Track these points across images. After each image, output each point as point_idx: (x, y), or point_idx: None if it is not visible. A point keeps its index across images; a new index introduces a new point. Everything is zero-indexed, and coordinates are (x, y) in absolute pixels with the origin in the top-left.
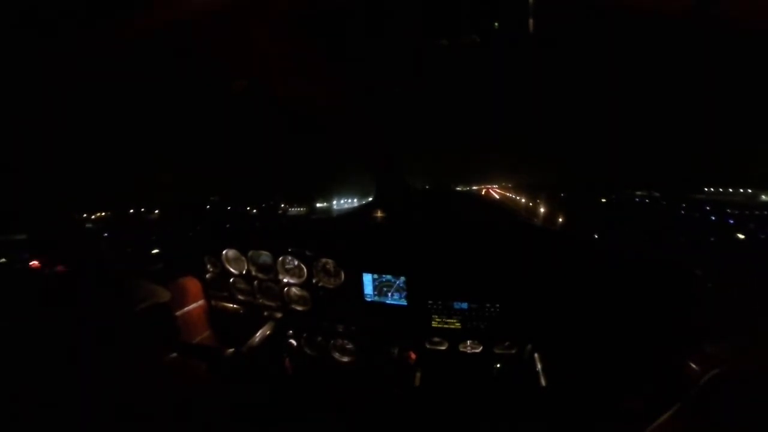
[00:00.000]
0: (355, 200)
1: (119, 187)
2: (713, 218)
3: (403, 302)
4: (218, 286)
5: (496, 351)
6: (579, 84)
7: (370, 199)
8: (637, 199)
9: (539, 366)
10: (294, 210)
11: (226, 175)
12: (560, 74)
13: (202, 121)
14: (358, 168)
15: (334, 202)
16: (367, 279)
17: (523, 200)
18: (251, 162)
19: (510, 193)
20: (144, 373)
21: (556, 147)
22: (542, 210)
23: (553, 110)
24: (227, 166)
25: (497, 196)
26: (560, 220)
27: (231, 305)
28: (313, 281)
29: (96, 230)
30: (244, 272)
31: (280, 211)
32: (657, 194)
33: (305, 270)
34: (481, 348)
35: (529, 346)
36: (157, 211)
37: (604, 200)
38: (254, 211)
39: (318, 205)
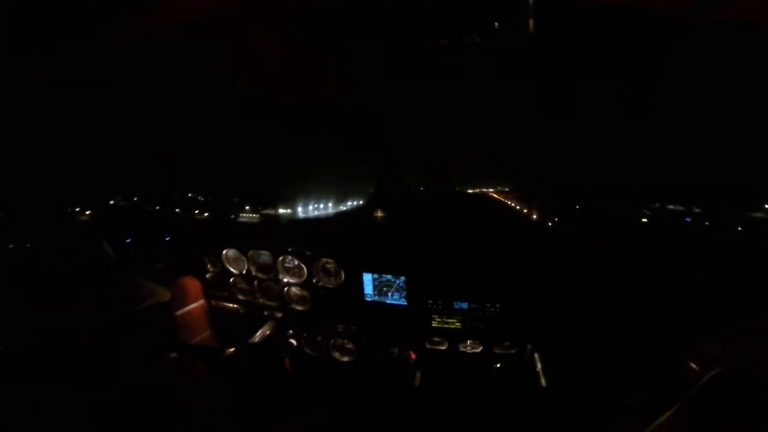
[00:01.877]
0: (330, 205)
1: (110, 184)
2: None
3: (403, 302)
4: (218, 285)
5: (496, 351)
6: (587, 79)
7: (351, 203)
8: (688, 219)
9: (539, 366)
10: (245, 216)
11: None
12: (568, 71)
13: (197, 119)
14: (339, 168)
15: (300, 208)
16: (367, 279)
17: (526, 210)
18: (237, 162)
19: (512, 200)
20: (144, 373)
21: (564, 146)
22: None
23: (562, 107)
24: (216, 165)
25: (499, 200)
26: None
27: (231, 305)
28: (313, 281)
29: (96, 229)
30: (244, 272)
31: (232, 216)
32: (698, 210)
33: (305, 270)
34: (481, 348)
35: (529, 346)
36: (88, 212)
37: (644, 220)
38: (206, 214)
39: (281, 210)
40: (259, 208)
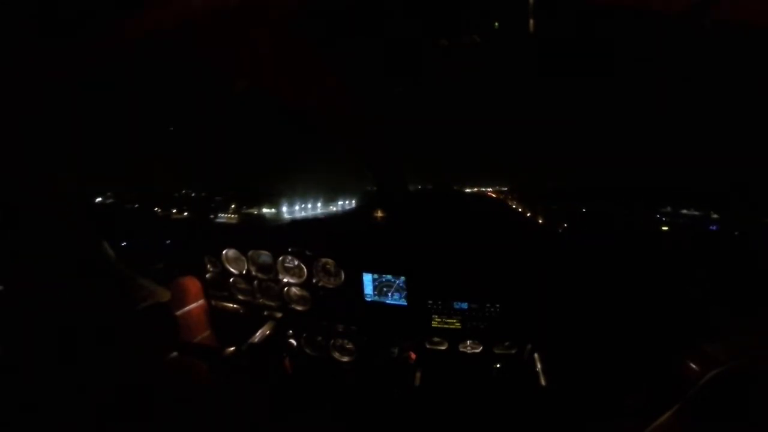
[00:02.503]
0: (319, 204)
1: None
2: None
3: (403, 302)
4: (218, 285)
5: (496, 351)
6: (590, 79)
7: (341, 203)
8: (714, 228)
9: (539, 366)
10: (223, 216)
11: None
12: (569, 71)
13: (194, 118)
14: (331, 167)
15: (285, 208)
16: (367, 279)
17: (525, 209)
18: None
19: (511, 200)
20: (144, 373)
21: (564, 146)
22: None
23: (565, 105)
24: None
25: (498, 199)
26: None
27: (231, 305)
28: (313, 281)
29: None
30: (244, 272)
31: (211, 216)
32: (716, 215)
33: (305, 270)
34: (481, 348)
35: (529, 346)
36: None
37: (665, 228)
38: (185, 213)
39: (265, 210)
40: (244, 208)
